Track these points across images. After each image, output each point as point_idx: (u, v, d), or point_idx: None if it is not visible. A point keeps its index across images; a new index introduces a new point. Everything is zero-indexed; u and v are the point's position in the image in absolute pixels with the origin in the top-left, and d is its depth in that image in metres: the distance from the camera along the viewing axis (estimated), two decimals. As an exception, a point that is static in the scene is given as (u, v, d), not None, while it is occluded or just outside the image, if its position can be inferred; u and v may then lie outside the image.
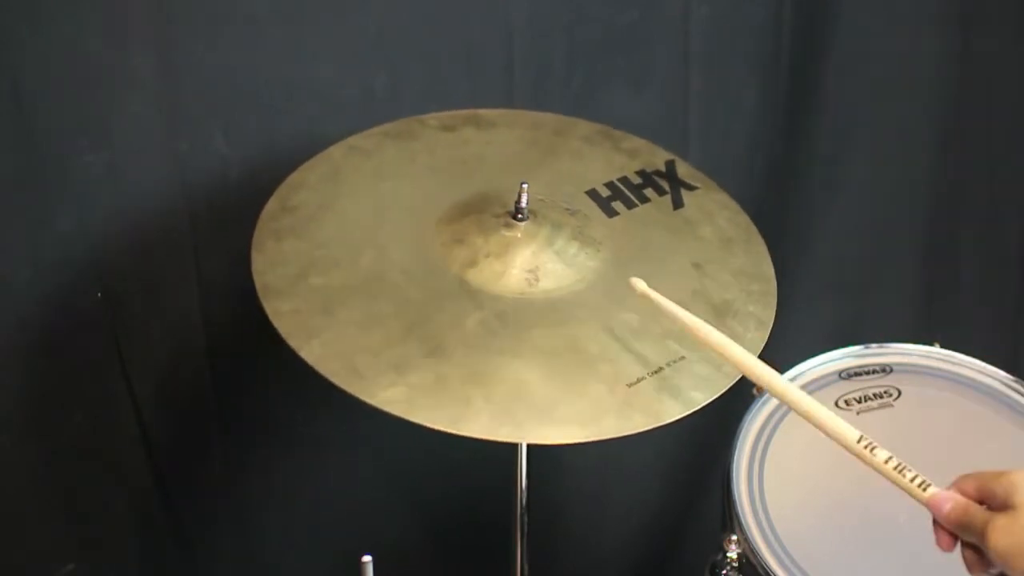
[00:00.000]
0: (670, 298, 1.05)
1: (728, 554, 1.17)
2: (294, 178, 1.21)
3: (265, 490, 1.63)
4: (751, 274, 1.19)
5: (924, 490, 0.87)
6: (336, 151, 1.25)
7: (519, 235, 1.15)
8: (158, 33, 1.30)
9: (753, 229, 1.25)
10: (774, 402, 1.28)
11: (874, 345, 1.35)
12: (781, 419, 1.27)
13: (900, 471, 0.88)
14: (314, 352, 1.02)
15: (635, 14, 1.53)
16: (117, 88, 1.31)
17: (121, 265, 1.40)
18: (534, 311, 1.10)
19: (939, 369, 1.34)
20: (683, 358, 1.06)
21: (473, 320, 1.07)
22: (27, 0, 1.24)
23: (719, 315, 1.12)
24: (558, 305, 1.11)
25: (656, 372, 1.04)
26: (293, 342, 1.02)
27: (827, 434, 0.92)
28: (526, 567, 1.37)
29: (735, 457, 1.23)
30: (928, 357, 1.35)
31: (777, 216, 1.62)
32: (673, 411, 1.03)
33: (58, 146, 1.31)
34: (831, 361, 1.33)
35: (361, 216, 1.17)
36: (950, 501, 0.85)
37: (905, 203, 1.79)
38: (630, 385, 1.04)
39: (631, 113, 1.54)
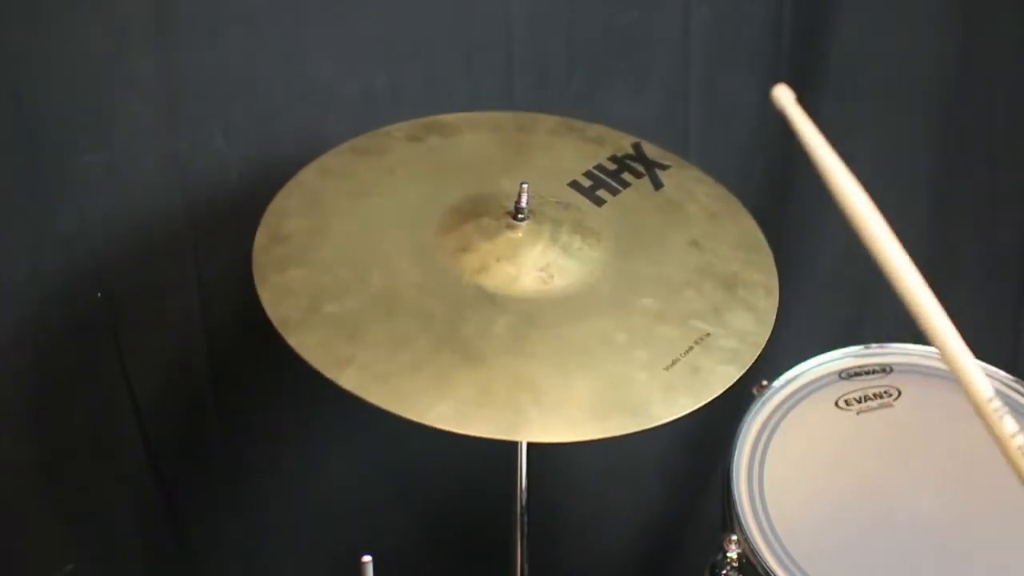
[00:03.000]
0: (678, 279, 1.04)
1: (728, 554, 1.17)
2: (276, 206, 1.18)
3: (265, 490, 1.63)
4: (746, 244, 1.22)
5: None
6: (307, 174, 1.23)
7: (523, 235, 1.15)
8: (158, 33, 1.30)
9: (734, 200, 1.27)
10: (775, 402, 1.28)
11: (874, 345, 1.35)
12: (781, 419, 1.27)
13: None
14: (352, 380, 1.00)
15: (635, 14, 1.53)
16: (117, 88, 1.31)
17: (121, 265, 1.40)
18: (556, 308, 1.10)
19: (939, 369, 1.33)
20: (708, 335, 1.07)
21: (500, 326, 1.07)
22: (27, 0, 1.24)
23: (729, 287, 1.14)
24: (577, 299, 1.11)
25: (687, 352, 1.05)
26: (329, 373, 1.00)
27: (958, 378, 0.84)
28: (526, 567, 1.37)
29: (735, 457, 1.23)
30: (928, 357, 1.35)
31: (777, 216, 1.62)
32: (713, 387, 1.04)
33: (58, 146, 1.31)
34: (831, 361, 1.33)
35: (356, 236, 1.16)
36: None
37: (905, 203, 1.79)
38: (667, 368, 1.05)
39: (631, 113, 1.54)
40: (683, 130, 1.61)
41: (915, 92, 1.71)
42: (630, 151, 1.30)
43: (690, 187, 1.28)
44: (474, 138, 1.31)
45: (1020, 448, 0.79)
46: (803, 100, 1.70)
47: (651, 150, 1.31)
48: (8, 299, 1.36)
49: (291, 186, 1.21)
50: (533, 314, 1.09)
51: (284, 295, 1.08)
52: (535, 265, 1.13)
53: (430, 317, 1.07)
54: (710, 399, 1.04)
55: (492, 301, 1.09)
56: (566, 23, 1.50)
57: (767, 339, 1.10)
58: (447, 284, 1.11)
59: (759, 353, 1.08)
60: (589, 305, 1.11)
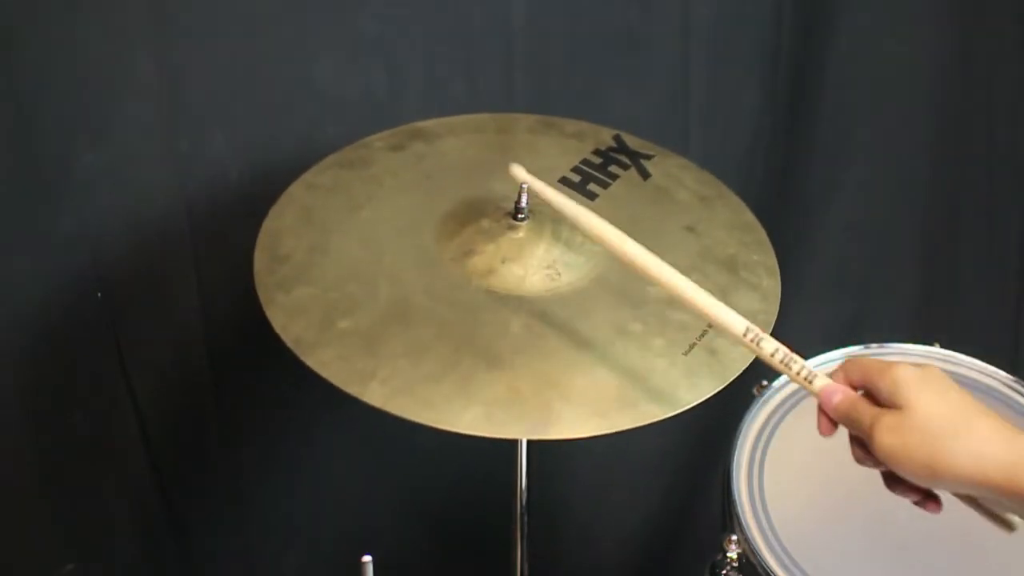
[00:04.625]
0: (681, 265, 1.05)
1: (728, 554, 1.17)
2: (270, 226, 1.17)
3: (265, 490, 1.63)
4: (740, 226, 1.23)
5: (811, 382, 0.88)
6: (296, 190, 1.22)
7: (525, 234, 1.15)
8: (158, 33, 1.30)
9: (721, 184, 1.29)
10: (775, 402, 1.28)
11: (874, 345, 1.35)
12: (781, 419, 1.27)
13: (786, 364, 0.89)
14: (378, 394, 0.99)
15: (635, 14, 1.53)
16: (117, 88, 1.31)
17: (121, 265, 1.40)
18: (568, 304, 1.10)
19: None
20: None
21: (517, 326, 1.07)
22: (27, 0, 1.24)
23: (731, 270, 1.15)
24: (587, 293, 1.12)
25: (703, 335, 1.06)
26: (352, 390, 0.99)
27: (711, 323, 0.93)
28: (526, 567, 1.37)
29: (735, 457, 1.23)
30: (928, 357, 1.35)
31: (777, 216, 1.62)
32: (733, 368, 1.05)
33: (58, 146, 1.31)
34: (831, 361, 1.33)
35: (357, 250, 1.15)
36: (839, 393, 0.87)
37: (905, 203, 1.79)
38: (685, 353, 1.06)
39: (631, 113, 1.54)
40: (683, 130, 1.61)
41: (915, 92, 1.71)
42: (612, 143, 1.31)
43: (676, 174, 1.29)
44: (457, 142, 1.31)
45: (783, 360, 0.90)
46: (803, 100, 1.72)
47: (632, 141, 1.32)
48: (8, 299, 1.36)
49: (281, 204, 1.20)
50: (546, 312, 1.09)
51: (294, 315, 1.06)
52: (541, 263, 1.13)
53: (445, 324, 1.07)
54: (732, 379, 1.04)
55: (504, 303, 1.09)
56: (566, 23, 1.50)
57: (775, 316, 1.11)
58: (456, 289, 1.11)
59: (770, 331, 1.08)
60: (599, 298, 1.11)
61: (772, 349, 0.90)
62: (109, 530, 1.55)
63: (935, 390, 0.84)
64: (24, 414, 1.43)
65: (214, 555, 1.65)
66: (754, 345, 0.90)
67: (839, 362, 1.32)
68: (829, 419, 0.88)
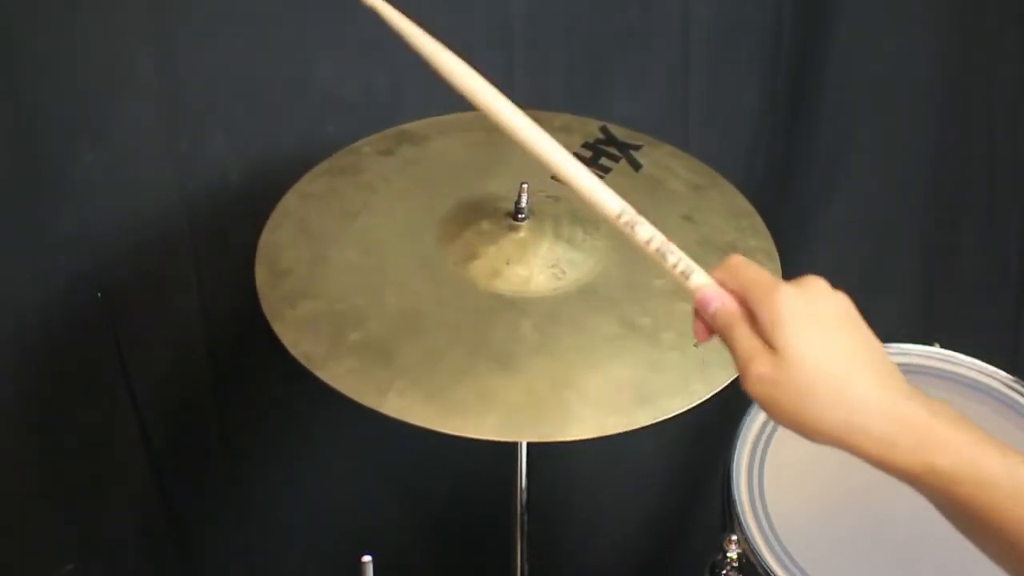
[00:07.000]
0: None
1: (728, 554, 1.17)
2: (267, 240, 1.15)
3: (265, 490, 1.63)
4: (735, 212, 1.23)
5: (687, 278, 0.78)
6: (290, 201, 1.20)
7: (526, 234, 1.14)
8: (158, 33, 1.30)
9: (712, 171, 1.29)
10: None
11: (874, 345, 1.35)
12: (781, 419, 1.27)
13: (661, 254, 0.79)
14: (395, 405, 0.98)
15: (635, 14, 1.53)
16: (117, 88, 1.31)
17: (121, 265, 1.40)
18: (575, 302, 1.10)
19: (939, 369, 1.34)
20: None
21: (527, 328, 1.06)
22: (27, 0, 1.24)
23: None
24: (593, 291, 1.11)
25: None
26: (369, 403, 0.98)
27: (584, 200, 0.81)
28: (526, 567, 1.37)
29: (735, 457, 1.23)
30: (928, 357, 1.35)
31: (777, 216, 1.62)
32: None
33: (58, 146, 1.31)
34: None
35: (358, 260, 1.14)
36: (717, 301, 0.77)
37: (905, 203, 1.79)
38: (696, 345, 1.04)
39: (631, 113, 1.54)
40: (683, 131, 1.61)
41: (915, 92, 1.71)
42: (599, 135, 1.30)
43: (667, 163, 1.28)
44: (445, 143, 1.29)
45: (658, 251, 0.78)
46: (803, 100, 1.71)
47: (619, 131, 1.32)
48: (8, 299, 1.36)
49: (277, 216, 1.18)
50: (554, 312, 1.08)
51: (303, 330, 1.04)
52: (545, 263, 1.13)
53: (456, 330, 1.06)
54: None
55: (512, 305, 1.08)
56: (566, 23, 1.50)
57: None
58: (463, 294, 1.10)
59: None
60: (606, 294, 1.11)
61: (647, 237, 0.79)
62: (109, 530, 1.55)
63: (818, 333, 0.75)
64: (24, 414, 1.43)
65: (214, 555, 1.65)
66: (628, 230, 0.79)
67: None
68: (706, 324, 0.79)
